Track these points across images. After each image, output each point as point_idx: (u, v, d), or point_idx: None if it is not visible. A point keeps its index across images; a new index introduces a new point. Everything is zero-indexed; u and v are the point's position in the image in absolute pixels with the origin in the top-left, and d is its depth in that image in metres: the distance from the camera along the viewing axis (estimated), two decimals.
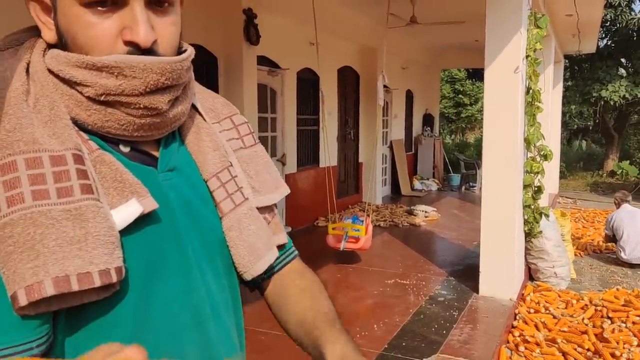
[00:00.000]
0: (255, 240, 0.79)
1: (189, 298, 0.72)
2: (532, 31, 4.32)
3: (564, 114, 14.91)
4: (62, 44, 0.68)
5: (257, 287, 0.90)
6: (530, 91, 4.42)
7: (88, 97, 0.66)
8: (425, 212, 8.31)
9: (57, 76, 0.67)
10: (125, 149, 0.71)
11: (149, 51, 0.65)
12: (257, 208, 0.83)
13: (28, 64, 0.68)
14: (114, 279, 0.61)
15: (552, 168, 10.38)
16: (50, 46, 0.69)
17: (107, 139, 0.70)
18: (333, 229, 5.35)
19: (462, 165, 11.94)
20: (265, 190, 0.84)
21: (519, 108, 4.15)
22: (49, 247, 0.58)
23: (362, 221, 5.33)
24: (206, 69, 5.38)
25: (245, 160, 0.84)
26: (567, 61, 13.25)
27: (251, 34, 5.53)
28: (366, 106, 9.13)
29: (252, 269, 0.80)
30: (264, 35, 5.69)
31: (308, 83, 7.37)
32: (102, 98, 0.65)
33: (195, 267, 0.74)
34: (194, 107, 0.81)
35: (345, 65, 8.64)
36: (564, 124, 17.06)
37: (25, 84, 0.66)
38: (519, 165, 4.27)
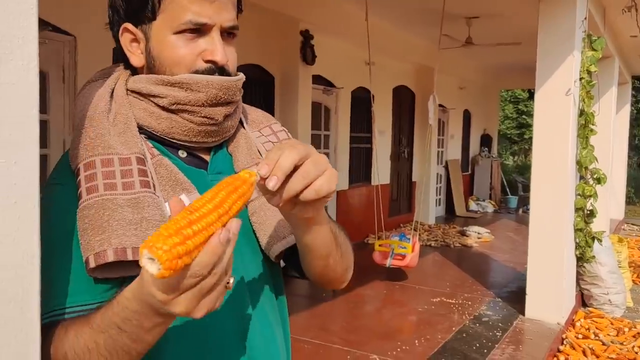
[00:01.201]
0: (276, 224, 0.90)
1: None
2: (586, 53, 4.29)
3: (633, 136, 14.26)
4: (147, 66, 0.87)
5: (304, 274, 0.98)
6: (584, 114, 4.37)
7: (161, 107, 0.85)
8: (479, 233, 8.20)
9: (137, 93, 0.87)
10: (183, 155, 0.89)
11: (223, 69, 0.84)
12: None
13: (113, 89, 0.88)
14: None
15: (618, 193, 9.98)
16: (132, 72, 0.90)
17: (170, 145, 0.88)
18: (380, 245, 5.42)
19: (520, 188, 11.69)
20: None
21: (569, 130, 4.12)
22: (113, 226, 0.76)
23: (409, 239, 5.38)
24: (263, 88, 5.64)
25: None
26: (638, 82, 12.73)
27: (307, 54, 5.76)
28: (421, 125, 9.15)
29: (272, 248, 0.90)
30: (319, 55, 5.90)
31: (362, 101, 7.51)
32: (172, 107, 0.84)
33: (237, 253, 0.85)
34: (239, 120, 0.97)
35: (401, 84, 8.73)
36: (635, 148, 16.30)
37: (108, 104, 0.86)
38: (569, 188, 4.22)
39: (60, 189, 0.83)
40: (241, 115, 0.97)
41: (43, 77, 3.68)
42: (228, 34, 0.86)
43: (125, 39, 0.88)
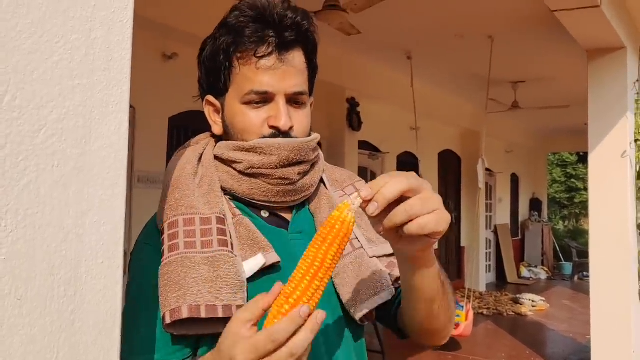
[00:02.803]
0: (359, 285, 0.89)
1: None
2: None
3: None
4: (225, 134, 0.93)
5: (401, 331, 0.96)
6: None
7: (239, 172, 0.89)
8: (533, 301, 7.84)
9: (220, 159, 0.91)
10: (265, 215, 0.92)
11: (287, 134, 0.87)
12: (379, 256, 0.93)
13: (201, 154, 0.93)
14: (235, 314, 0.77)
15: None
16: (217, 140, 0.95)
17: (253, 206, 0.91)
18: None
19: (575, 253, 11.21)
20: (378, 241, 0.94)
21: (628, 193, 3.97)
22: (189, 283, 0.78)
23: (463, 307, 5.19)
24: None
25: (360, 217, 0.95)
26: None
27: (353, 120, 5.87)
28: (468, 189, 9.04)
29: (356, 310, 0.88)
30: (365, 121, 6.00)
31: (408, 166, 7.51)
32: (248, 171, 0.88)
33: None
34: (321, 181, 0.99)
35: (447, 148, 8.72)
36: None
37: (195, 167, 0.91)
38: (632, 254, 4.01)
39: (146, 249, 0.87)
40: (323, 175, 0.99)
41: None
42: (296, 100, 0.89)
43: (208, 110, 0.95)
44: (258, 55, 0.85)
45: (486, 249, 9.83)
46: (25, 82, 0.53)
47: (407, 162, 7.47)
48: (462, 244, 9.13)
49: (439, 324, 0.88)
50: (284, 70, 0.86)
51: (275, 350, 0.65)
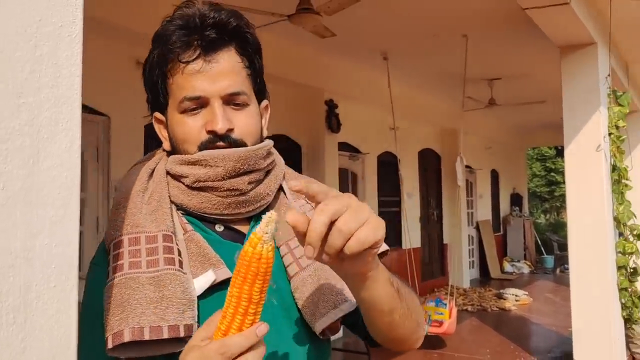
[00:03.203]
0: (319, 298, 0.86)
1: (268, 356, 0.81)
2: (613, 109, 4.26)
3: None
4: (173, 148, 0.90)
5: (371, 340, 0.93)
6: (616, 169, 4.28)
7: (187, 186, 0.86)
8: (516, 295, 7.92)
9: (170, 174, 0.89)
10: (219, 229, 0.88)
11: (225, 137, 0.84)
12: None
13: (153, 169, 0.91)
14: (182, 334, 0.76)
15: None
16: (168, 154, 0.93)
17: (206, 220, 0.88)
18: None
19: (556, 247, 11.36)
20: None
21: (604, 186, 4.03)
22: (132, 305, 0.75)
23: (446, 304, 5.21)
24: (291, 157, 5.72)
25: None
26: None
27: (332, 122, 5.87)
28: (448, 187, 9.11)
29: (316, 324, 0.85)
30: (344, 122, 6.01)
31: (389, 166, 7.54)
32: (195, 185, 0.85)
33: (272, 325, 0.80)
34: (282, 189, 0.95)
35: (426, 147, 8.78)
36: None
37: (145, 184, 0.88)
38: (609, 246, 4.07)
39: (95, 269, 0.85)
40: (283, 182, 0.96)
41: None
42: (235, 101, 0.86)
43: (158, 127, 0.93)
44: (183, 60, 0.83)
45: (469, 246, 9.91)
46: None
47: (388, 162, 7.49)
48: (445, 241, 9.18)
49: (404, 331, 0.86)
50: (214, 71, 0.84)
51: None
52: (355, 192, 7.03)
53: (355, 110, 6.44)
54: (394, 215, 7.80)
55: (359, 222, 0.66)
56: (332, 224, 0.65)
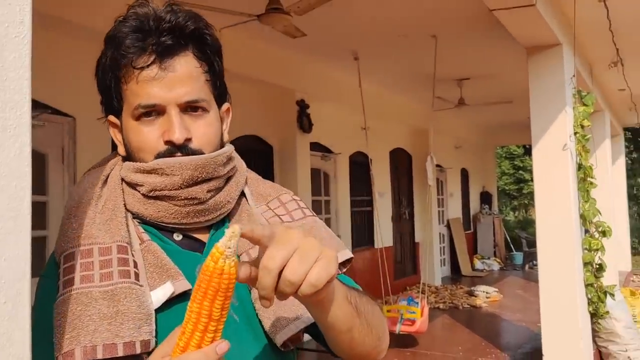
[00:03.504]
0: (279, 310, 0.83)
1: None
2: (578, 109, 4.35)
3: (631, 187, 14.32)
4: (127, 154, 0.86)
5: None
6: (582, 167, 4.37)
7: (143, 194, 0.82)
8: (487, 292, 8.04)
9: (125, 181, 0.85)
10: (177, 238, 0.85)
11: (183, 147, 0.80)
12: None
13: (107, 176, 0.86)
14: (138, 350, 0.72)
15: (623, 245, 9.86)
16: (124, 159, 0.88)
17: (163, 229, 0.84)
18: (388, 311, 5.28)
19: (525, 243, 11.57)
20: None
21: (570, 185, 4.11)
22: (84, 322, 0.71)
23: (418, 303, 5.25)
24: (262, 158, 5.68)
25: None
26: (629, 133, 12.93)
27: (304, 123, 5.85)
28: (419, 186, 9.19)
29: (277, 336, 0.83)
30: (316, 123, 5.99)
31: (361, 165, 7.56)
32: (151, 194, 0.81)
33: (234, 340, 0.79)
34: (244, 194, 0.92)
35: (397, 146, 8.84)
36: (634, 198, 16.31)
37: (99, 191, 0.84)
38: (576, 243, 4.16)
39: (45, 283, 0.80)
40: (245, 187, 0.93)
41: (42, 158, 3.70)
42: (193, 108, 0.82)
43: (112, 130, 0.89)
44: (138, 66, 0.79)
45: (440, 244, 10.02)
46: None
47: (360, 162, 7.52)
48: (416, 239, 9.27)
49: (364, 348, 0.83)
50: (170, 78, 0.79)
51: None
52: (327, 192, 7.03)
53: (326, 110, 6.44)
54: (366, 215, 7.83)
55: (309, 265, 0.63)
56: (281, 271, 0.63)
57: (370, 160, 6.24)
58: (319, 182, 6.81)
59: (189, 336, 0.63)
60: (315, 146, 6.47)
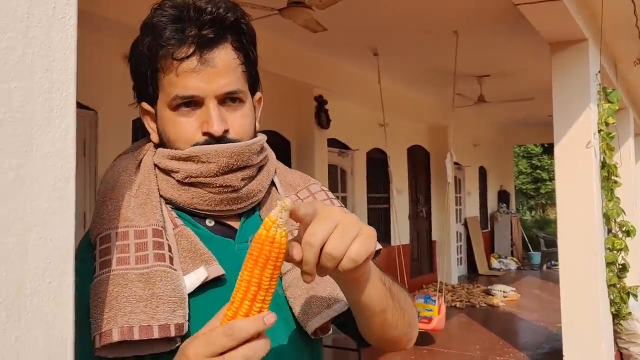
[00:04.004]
0: (311, 298, 0.84)
1: None
2: (602, 106, 4.28)
3: None
4: (161, 142, 0.86)
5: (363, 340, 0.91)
6: (606, 165, 4.30)
7: (178, 181, 0.83)
8: (504, 292, 7.96)
9: (158, 167, 0.85)
10: (210, 224, 0.85)
11: (222, 139, 0.81)
12: None
13: (140, 161, 0.87)
14: (173, 333, 0.72)
15: None
16: (156, 146, 0.88)
17: (196, 215, 0.85)
18: None
19: (543, 243, 11.44)
20: None
21: (594, 183, 4.05)
22: (121, 303, 0.72)
23: (435, 301, 5.22)
24: (280, 153, 5.68)
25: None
26: None
27: (322, 119, 5.84)
28: (437, 184, 9.13)
29: (308, 324, 0.83)
30: (334, 119, 5.98)
31: (378, 162, 7.54)
32: (187, 180, 0.82)
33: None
34: (273, 184, 0.93)
35: (415, 144, 8.78)
36: None
37: (132, 176, 0.84)
38: (598, 243, 4.09)
39: (80, 266, 0.79)
40: (275, 177, 0.93)
41: None
42: (230, 99, 0.83)
43: (144, 117, 0.89)
44: (178, 58, 0.79)
45: (457, 242, 9.95)
46: None
47: (377, 159, 7.49)
48: (433, 238, 9.21)
49: (396, 332, 0.84)
50: (209, 71, 0.80)
51: (228, 349, 0.61)
52: (344, 189, 7.02)
53: (344, 106, 6.42)
54: (383, 212, 7.81)
55: (349, 240, 0.65)
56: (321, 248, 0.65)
57: (388, 157, 6.21)
58: (336, 178, 6.80)
59: (237, 305, 0.64)
60: (333, 142, 6.46)
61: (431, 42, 5.30)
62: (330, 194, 0.97)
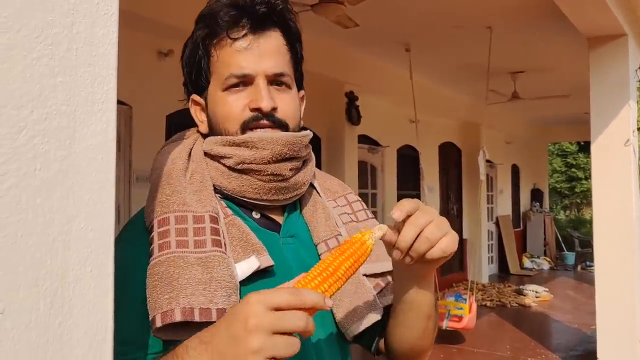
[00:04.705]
0: (354, 303, 0.86)
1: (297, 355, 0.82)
2: None
3: None
4: (211, 131, 0.89)
5: (379, 352, 0.95)
6: None
7: (229, 167, 0.85)
8: (536, 292, 7.82)
9: (209, 155, 0.87)
10: (256, 216, 0.88)
11: (270, 115, 0.83)
12: (368, 274, 0.90)
13: (191, 149, 0.89)
14: None
15: None
16: (204, 136, 0.91)
17: (243, 206, 0.87)
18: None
19: (577, 243, 11.19)
20: (375, 259, 0.91)
21: (632, 182, 3.94)
22: (182, 284, 0.73)
23: (466, 299, 5.16)
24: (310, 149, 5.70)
25: None
26: None
27: (352, 115, 5.82)
28: (469, 181, 9.01)
29: (349, 329, 0.86)
30: (364, 115, 5.96)
31: (408, 159, 7.48)
32: (239, 167, 0.84)
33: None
34: (312, 186, 0.96)
35: (447, 141, 8.69)
36: None
37: (186, 163, 0.87)
38: (636, 243, 3.98)
39: (132, 250, 0.81)
40: (314, 180, 0.96)
41: None
42: (278, 82, 0.86)
43: (194, 110, 0.92)
44: (232, 37, 0.83)
45: (488, 241, 9.81)
46: (2, 80, 0.50)
47: (407, 155, 7.43)
48: (464, 236, 9.10)
49: (428, 341, 0.89)
50: (261, 50, 0.84)
51: (291, 307, 0.61)
52: (374, 185, 6.99)
53: (375, 102, 6.39)
54: None
55: (443, 233, 0.74)
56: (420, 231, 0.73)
57: (420, 154, 6.16)
58: (366, 175, 6.78)
59: (309, 279, 0.68)
60: (363, 139, 6.44)
61: (464, 38, 5.22)
62: (364, 205, 1.02)
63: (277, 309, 0.61)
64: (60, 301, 0.54)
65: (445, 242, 0.73)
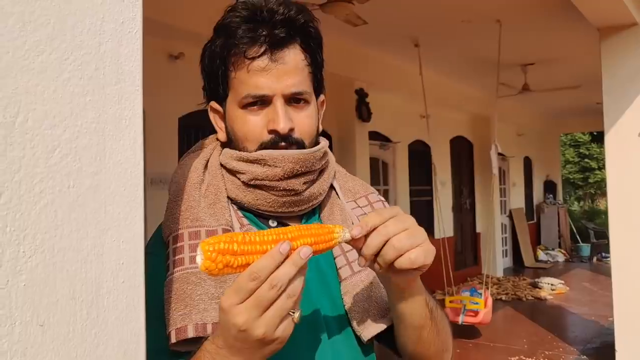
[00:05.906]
0: (367, 307, 0.87)
1: (315, 355, 0.83)
2: None
3: None
4: (229, 140, 0.90)
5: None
6: None
7: (243, 182, 0.86)
8: (552, 284, 7.78)
9: (225, 167, 0.88)
10: (273, 224, 0.88)
11: (287, 137, 0.83)
12: None
13: (207, 160, 0.90)
14: None
15: None
16: (222, 145, 0.92)
17: (260, 215, 0.88)
18: (450, 302, 5.21)
19: (592, 235, 11.11)
20: None
21: None
22: (195, 300, 0.76)
23: (481, 294, 5.15)
24: None
25: None
26: None
27: (363, 112, 5.82)
28: (481, 175, 8.97)
29: (364, 331, 0.86)
30: (375, 111, 5.95)
31: (420, 154, 7.46)
32: (252, 182, 0.85)
33: (323, 325, 0.85)
34: (332, 187, 0.95)
35: (458, 135, 8.65)
36: None
37: (201, 175, 0.88)
38: None
39: (152, 259, 0.82)
40: (334, 181, 0.96)
41: None
42: (296, 100, 0.85)
43: (213, 116, 0.92)
44: (249, 56, 0.82)
45: (502, 234, 9.76)
46: (36, 102, 0.52)
47: (419, 151, 7.42)
48: (478, 230, 9.07)
49: (429, 351, 0.88)
50: (279, 70, 0.82)
51: (257, 288, 0.63)
52: (386, 181, 6.99)
53: (385, 98, 6.38)
54: (425, 205, 7.73)
55: (413, 243, 0.71)
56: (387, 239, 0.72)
57: (431, 148, 6.15)
58: (378, 171, 6.77)
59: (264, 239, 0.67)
60: (374, 135, 6.44)
61: (473, 32, 5.20)
62: (387, 205, 1.00)
63: (250, 295, 0.63)
64: (95, 312, 0.56)
65: (415, 253, 0.70)
